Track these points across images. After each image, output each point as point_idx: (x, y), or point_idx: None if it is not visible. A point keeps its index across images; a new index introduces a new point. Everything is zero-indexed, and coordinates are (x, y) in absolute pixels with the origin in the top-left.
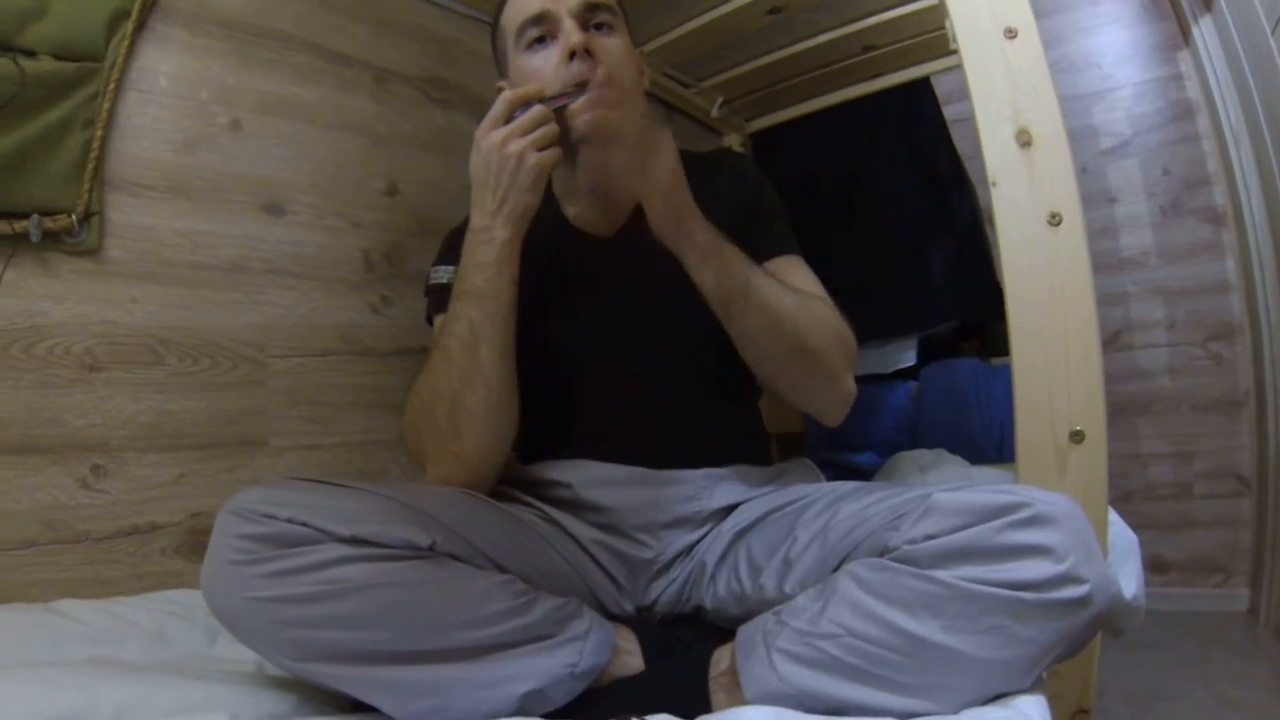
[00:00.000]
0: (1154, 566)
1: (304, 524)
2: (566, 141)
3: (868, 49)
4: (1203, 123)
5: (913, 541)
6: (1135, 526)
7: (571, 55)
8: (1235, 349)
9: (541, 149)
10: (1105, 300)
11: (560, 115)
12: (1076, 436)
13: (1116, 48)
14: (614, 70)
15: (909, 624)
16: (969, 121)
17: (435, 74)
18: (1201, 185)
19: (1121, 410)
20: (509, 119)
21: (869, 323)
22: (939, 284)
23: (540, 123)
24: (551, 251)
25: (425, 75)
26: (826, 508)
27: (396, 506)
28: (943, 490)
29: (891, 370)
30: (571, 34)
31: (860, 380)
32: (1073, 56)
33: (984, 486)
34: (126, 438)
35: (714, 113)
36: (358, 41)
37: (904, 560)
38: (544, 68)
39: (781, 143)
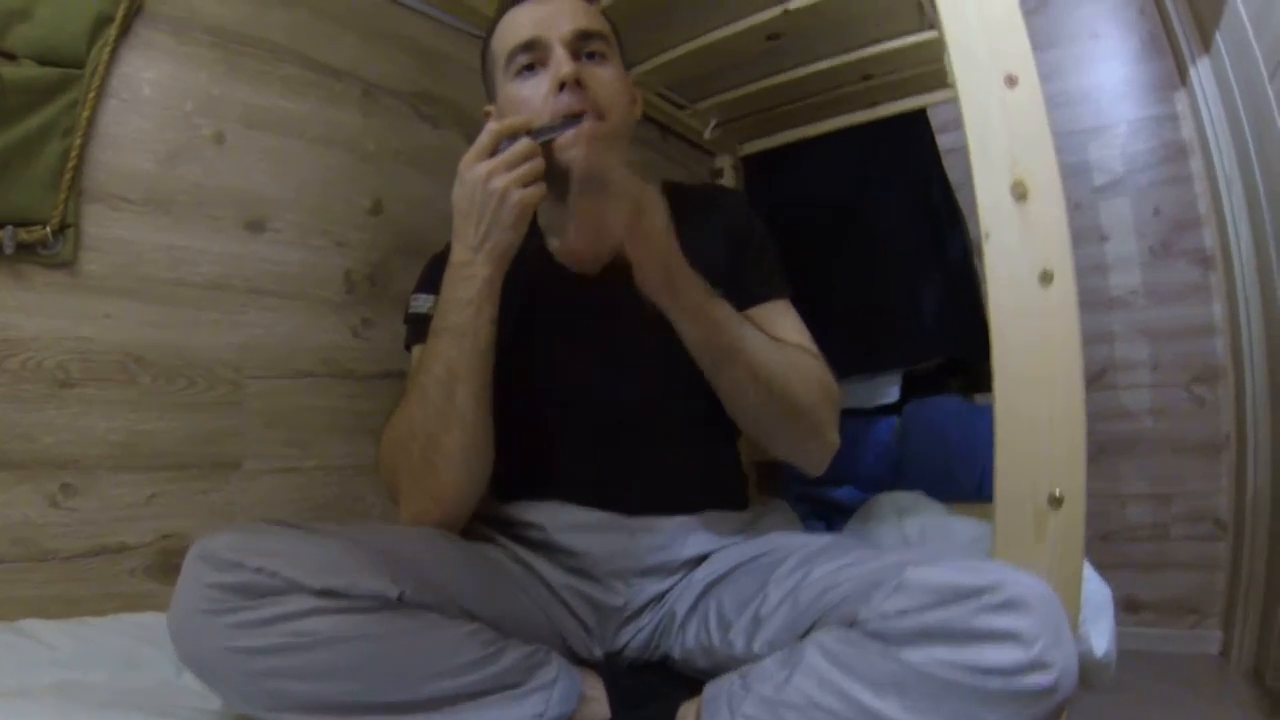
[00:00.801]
0: (1128, 606)
1: (274, 574)
2: (553, 174)
3: (866, 78)
4: (1196, 164)
5: (883, 616)
6: (1112, 566)
7: (561, 86)
8: (1218, 392)
9: (527, 185)
10: (1092, 339)
11: (548, 148)
12: (1055, 501)
13: (1113, 84)
14: (605, 103)
15: (872, 701)
16: (962, 151)
17: (425, 89)
18: (1192, 227)
19: (1103, 450)
20: (495, 151)
21: (856, 356)
22: (929, 320)
23: (526, 157)
24: (533, 286)
25: (415, 90)
26: (799, 565)
27: (367, 554)
28: (916, 565)
29: (875, 405)
30: (562, 64)
31: (842, 414)
32: (1070, 91)
33: (958, 563)
34: (98, 456)
35: (707, 135)
36: (347, 53)
37: (873, 634)
38: (533, 97)
39: (774, 167)
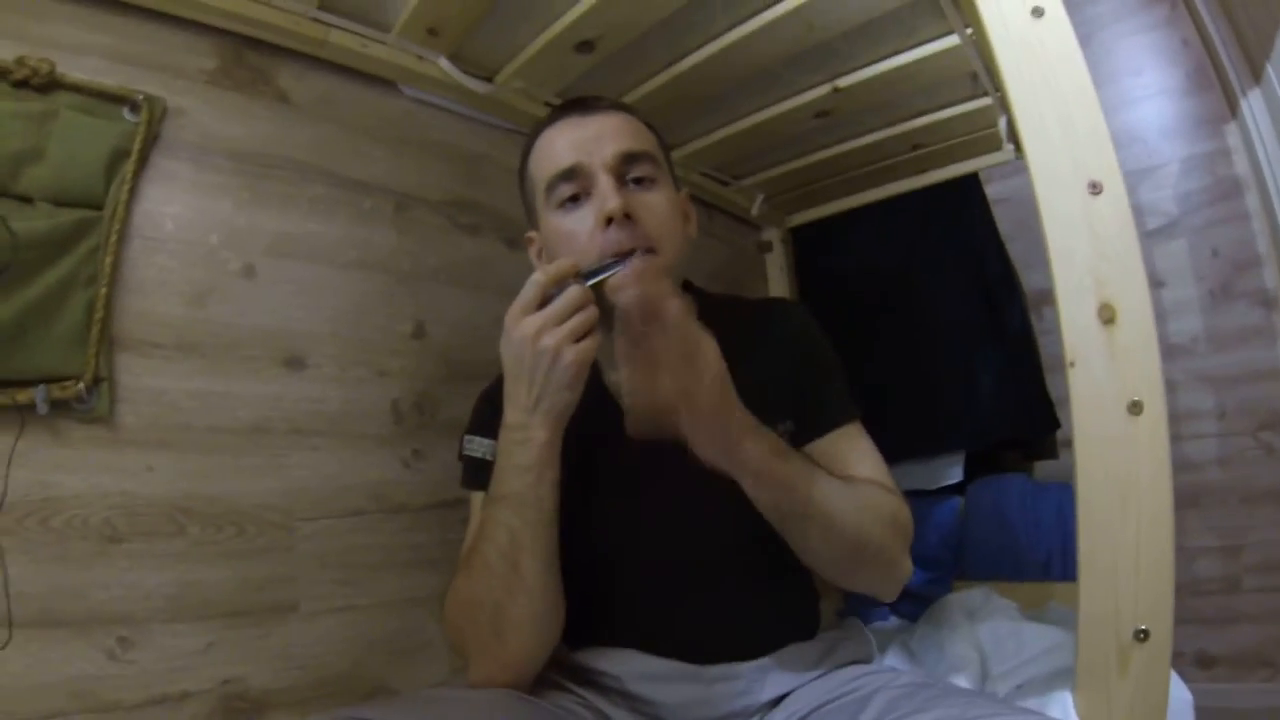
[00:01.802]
0: (1200, 662)
1: None
2: (606, 312)
3: (916, 147)
4: (1252, 200)
5: None
6: (1181, 622)
7: (609, 221)
8: None
9: (580, 339)
10: None
11: (599, 288)
12: (1141, 635)
13: (1161, 121)
14: (656, 235)
15: None
16: (1010, 202)
17: (462, 196)
18: (1251, 267)
19: None
20: (543, 302)
21: (914, 438)
22: (989, 399)
23: (578, 306)
24: (592, 430)
25: (451, 199)
26: (881, 716)
27: None
28: None
29: (937, 486)
30: (608, 197)
31: (905, 494)
32: (1116, 132)
33: None
34: (151, 609)
35: (754, 211)
36: (376, 165)
37: None
38: (579, 232)
39: (824, 237)
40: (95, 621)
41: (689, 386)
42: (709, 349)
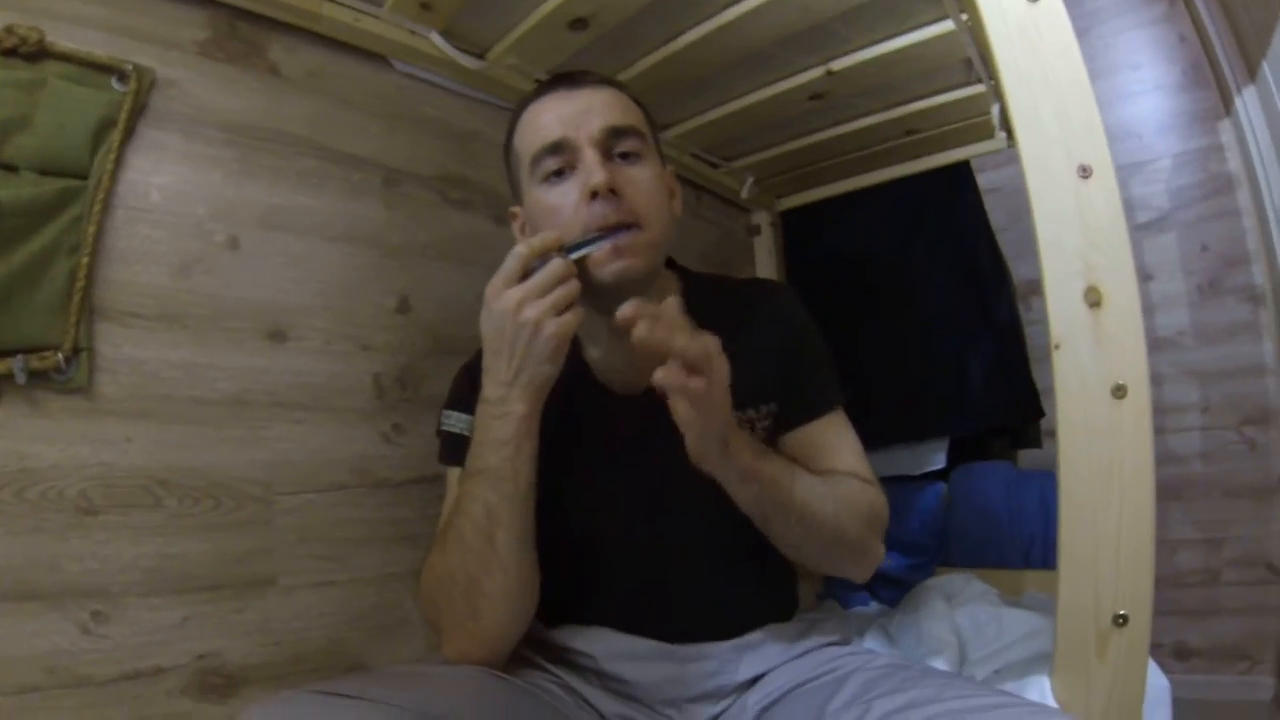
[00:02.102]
0: (1178, 654)
1: None
2: (589, 287)
3: (909, 132)
4: (1243, 197)
5: None
6: (1161, 613)
7: (594, 195)
8: (1270, 434)
9: (561, 312)
10: None
11: (582, 263)
12: (1120, 620)
13: (1157, 117)
14: (642, 210)
15: None
16: (1002, 192)
17: (452, 171)
18: (1241, 263)
19: None
20: (524, 275)
21: (900, 425)
22: (976, 387)
23: (560, 280)
24: (572, 406)
25: (441, 174)
26: (857, 698)
27: None
28: None
29: (921, 472)
30: (594, 171)
31: (888, 480)
32: (1111, 126)
33: None
34: (127, 582)
35: (745, 193)
36: (367, 140)
37: None
38: (563, 206)
39: (814, 222)
40: (69, 594)
41: (689, 389)
42: (718, 361)
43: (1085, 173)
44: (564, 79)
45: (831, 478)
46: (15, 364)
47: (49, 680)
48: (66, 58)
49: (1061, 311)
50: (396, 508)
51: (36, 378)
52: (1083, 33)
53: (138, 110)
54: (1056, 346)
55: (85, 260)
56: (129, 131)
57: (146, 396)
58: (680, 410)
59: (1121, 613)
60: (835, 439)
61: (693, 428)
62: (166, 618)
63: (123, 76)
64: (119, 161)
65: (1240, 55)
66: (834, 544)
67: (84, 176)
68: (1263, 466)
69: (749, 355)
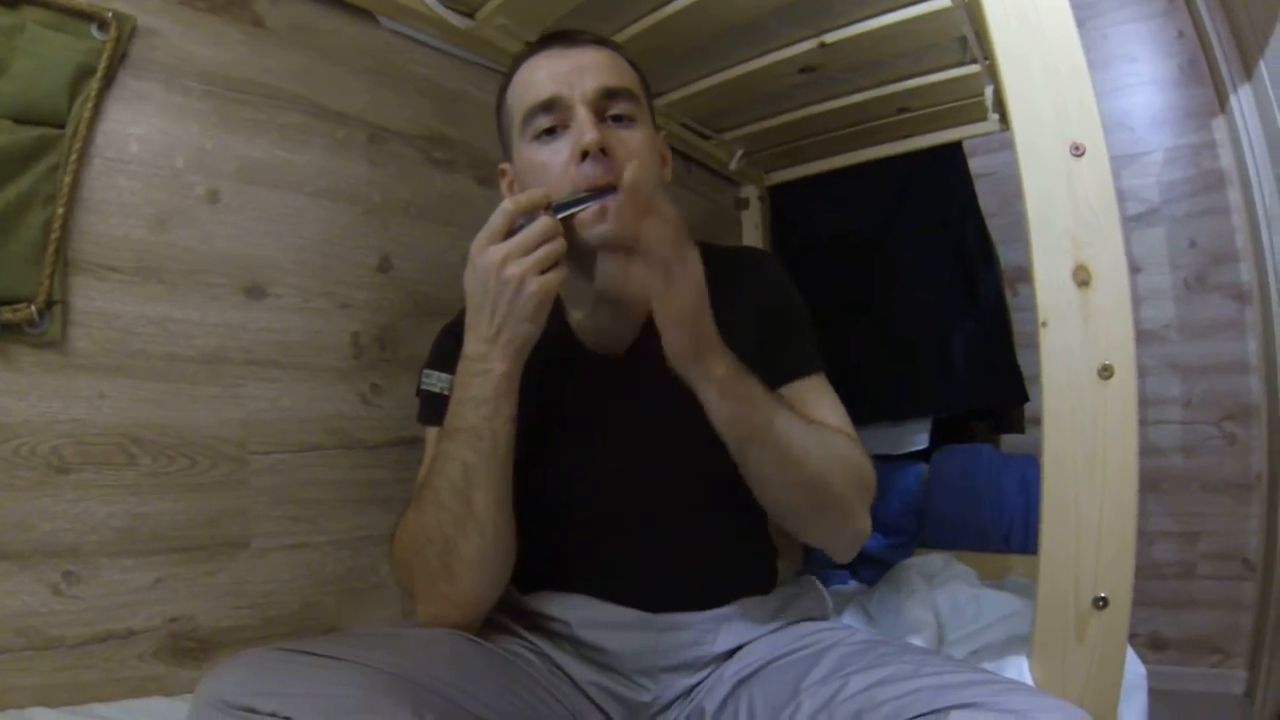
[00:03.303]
0: (1152, 644)
1: (289, 719)
2: (575, 248)
3: (901, 110)
4: (1234, 195)
5: None
6: (1136, 603)
7: (584, 155)
8: (1250, 431)
9: (546, 270)
10: None
11: (569, 222)
12: (1100, 602)
13: (1151, 110)
14: (634, 173)
15: None
16: (994, 177)
17: (437, 131)
18: (1228, 260)
19: None
20: (510, 232)
21: (884, 403)
22: (960, 367)
23: (545, 238)
24: (553, 367)
25: (426, 133)
26: (834, 672)
27: (386, 684)
28: (960, 709)
29: (903, 452)
30: (585, 130)
31: (870, 459)
32: (1105, 116)
33: (998, 707)
34: (99, 542)
35: (733, 165)
36: (353, 96)
37: None
38: (552, 164)
39: (803, 197)
40: (40, 554)
41: (669, 290)
42: (686, 256)
43: (1078, 151)
44: (560, 37)
45: (815, 425)
46: None
47: (20, 642)
48: (45, 4)
49: (1049, 289)
50: (372, 470)
51: (9, 331)
52: (1080, 23)
53: (118, 58)
54: (1044, 324)
55: (61, 211)
56: (108, 80)
57: (121, 352)
58: (655, 282)
59: (1102, 595)
60: (817, 399)
61: (666, 306)
62: (139, 579)
63: (103, 24)
64: (97, 111)
65: (1238, 53)
66: (815, 494)
67: (61, 125)
68: (1242, 462)
69: (731, 321)
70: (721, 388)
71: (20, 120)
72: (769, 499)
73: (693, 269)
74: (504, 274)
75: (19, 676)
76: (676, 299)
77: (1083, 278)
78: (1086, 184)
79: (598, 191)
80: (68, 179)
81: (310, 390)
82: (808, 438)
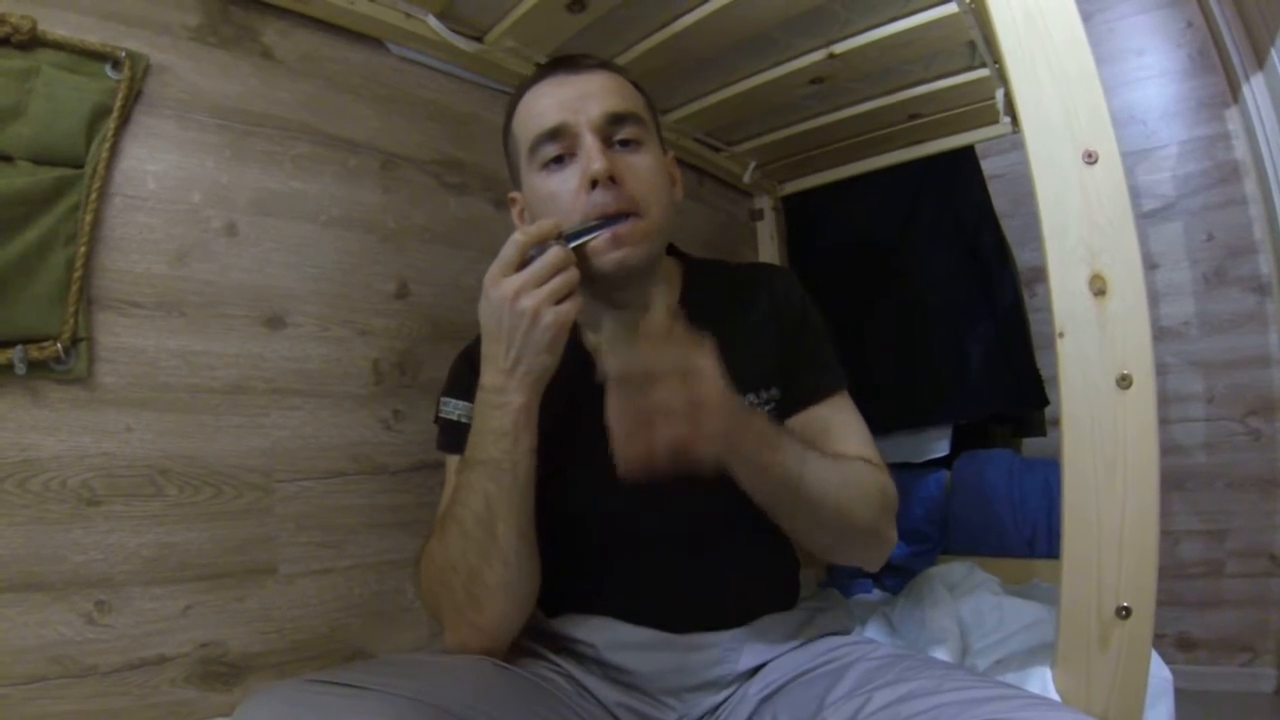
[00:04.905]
0: (1181, 644)
1: None
2: (589, 275)
3: (913, 117)
4: (1250, 186)
5: None
6: (1163, 604)
7: (594, 184)
8: (1274, 425)
9: (560, 301)
10: None
11: (581, 251)
12: (1123, 612)
13: (1162, 103)
14: (642, 198)
15: None
16: (1006, 179)
17: (449, 155)
18: (1247, 253)
19: None
20: (523, 263)
21: (902, 411)
22: (978, 372)
23: (559, 268)
24: (572, 393)
25: (438, 158)
26: (858, 687)
27: (417, 712)
28: None
29: (924, 460)
30: (593, 158)
31: (891, 468)
32: (1116, 111)
33: None
34: (129, 572)
35: (747, 178)
36: (364, 123)
37: None
38: (562, 193)
39: (816, 207)
40: (73, 585)
41: (698, 422)
42: (708, 365)
43: (1091, 158)
44: (563, 63)
45: (840, 461)
46: (15, 355)
47: (55, 670)
48: (60, 45)
49: (1065, 299)
50: (396, 494)
51: (36, 368)
52: (1087, 17)
53: (133, 97)
54: (1060, 334)
55: (83, 249)
56: (124, 119)
57: (146, 385)
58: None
59: (1124, 604)
60: (841, 422)
61: (628, 444)
62: (169, 607)
63: (116, 63)
64: (115, 149)
65: (1249, 42)
66: (845, 531)
67: (80, 165)
68: (1267, 458)
69: (750, 340)
70: (754, 467)
71: (40, 161)
72: (799, 538)
73: (713, 381)
74: (519, 306)
75: (55, 704)
76: (706, 427)
77: (1099, 287)
78: (1100, 191)
79: (608, 219)
80: (89, 218)
81: (333, 417)
82: (835, 482)
